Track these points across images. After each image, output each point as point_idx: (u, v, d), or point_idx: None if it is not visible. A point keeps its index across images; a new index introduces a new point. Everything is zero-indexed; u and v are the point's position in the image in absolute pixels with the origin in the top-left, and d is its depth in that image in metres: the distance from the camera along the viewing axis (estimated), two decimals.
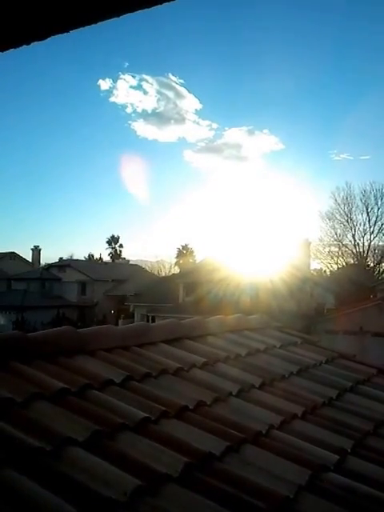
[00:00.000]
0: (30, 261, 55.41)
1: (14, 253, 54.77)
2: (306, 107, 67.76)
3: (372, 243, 43.38)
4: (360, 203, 43.14)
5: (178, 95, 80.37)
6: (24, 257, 55.73)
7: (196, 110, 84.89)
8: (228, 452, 2.49)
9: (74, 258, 60.77)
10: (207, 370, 3.65)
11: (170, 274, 55.79)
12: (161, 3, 1.31)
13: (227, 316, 5.17)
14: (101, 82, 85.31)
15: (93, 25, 1.37)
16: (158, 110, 74.60)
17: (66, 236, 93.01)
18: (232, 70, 71.74)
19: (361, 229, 43.25)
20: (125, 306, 41.47)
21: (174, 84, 79.63)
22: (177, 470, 2.14)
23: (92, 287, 48.91)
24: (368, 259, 44.30)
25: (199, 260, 51.44)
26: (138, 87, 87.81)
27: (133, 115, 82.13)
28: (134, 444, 2.31)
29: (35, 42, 1.43)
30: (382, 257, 43.89)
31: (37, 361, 2.93)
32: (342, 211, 43.34)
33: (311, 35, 63.10)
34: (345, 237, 43.69)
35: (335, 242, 43.80)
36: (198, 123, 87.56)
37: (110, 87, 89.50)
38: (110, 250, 71.58)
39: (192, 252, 66.81)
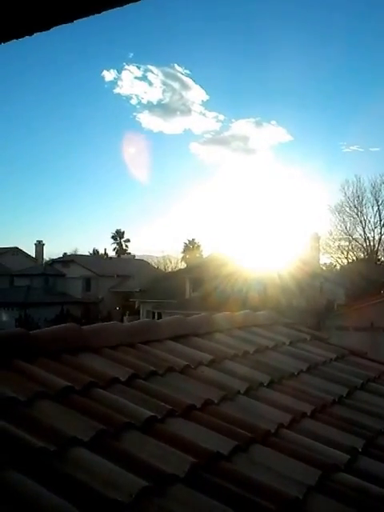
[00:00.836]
0: (33, 256, 55.55)
1: (16, 248, 54.92)
2: (314, 98, 67.44)
3: (383, 237, 43.21)
4: (370, 196, 43.00)
5: (184, 86, 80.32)
6: (27, 252, 55.91)
7: (202, 101, 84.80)
8: (236, 452, 2.48)
9: (79, 253, 60.87)
10: (214, 368, 3.64)
11: (177, 269, 55.80)
12: None
13: (235, 312, 5.16)
14: (105, 72, 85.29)
15: (96, 14, 1.37)
16: (163, 102, 74.61)
17: (69, 231, 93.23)
18: (239, 60, 71.55)
19: (371, 222, 43.10)
20: (130, 303, 41.55)
21: (179, 75, 79.51)
22: (184, 470, 2.14)
23: (96, 283, 49.01)
24: (379, 253, 44.17)
25: (206, 255, 51.48)
26: (143, 78, 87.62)
27: (138, 107, 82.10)
28: (140, 444, 2.31)
29: (38, 33, 1.43)
30: None
31: (40, 359, 2.94)
32: (351, 204, 43.17)
33: (321, 24, 62.88)
34: (355, 230, 43.53)
35: (345, 236, 43.63)
36: (204, 115, 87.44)
37: (115, 78, 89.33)
38: (115, 245, 71.78)
39: (199, 247, 66.84)
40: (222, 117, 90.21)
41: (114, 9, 1.36)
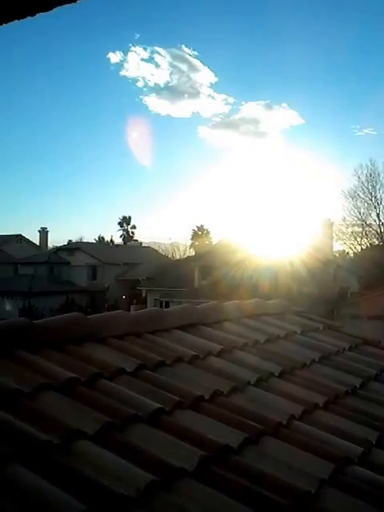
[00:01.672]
0: (38, 244, 55.69)
1: (20, 235, 55.01)
2: (327, 80, 67.02)
3: None
4: None
5: (192, 68, 79.81)
6: (31, 239, 56.04)
7: (211, 83, 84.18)
8: (246, 444, 2.47)
9: (84, 240, 61.00)
10: (224, 358, 3.64)
11: (185, 256, 55.81)
12: None
13: (245, 301, 5.15)
14: (110, 54, 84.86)
15: None
16: (170, 84, 74.18)
17: (74, 218, 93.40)
18: (249, 41, 70.99)
19: None
20: (137, 291, 41.61)
21: (187, 56, 79.07)
22: (192, 463, 2.13)
23: (102, 271, 49.10)
24: None
25: (215, 242, 51.44)
26: (150, 60, 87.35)
27: (144, 89, 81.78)
28: (147, 437, 2.31)
29: (40, 13, 1.40)
30: None
31: (44, 349, 2.94)
32: (365, 189, 42.94)
33: (334, 4, 62.07)
34: (369, 216, 43.33)
35: (358, 222, 43.44)
36: (212, 97, 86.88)
37: (121, 60, 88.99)
38: (121, 232, 71.79)
39: (208, 233, 66.74)
40: (231, 99, 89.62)
41: None
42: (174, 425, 2.48)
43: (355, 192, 43.19)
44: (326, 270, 31.73)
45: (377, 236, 43.82)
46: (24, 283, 43.10)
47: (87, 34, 71.09)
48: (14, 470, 1.81)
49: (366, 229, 43.70)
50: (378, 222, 43.21)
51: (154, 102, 76.30)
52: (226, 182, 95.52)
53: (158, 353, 3.34)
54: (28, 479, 1.78)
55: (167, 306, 28.74)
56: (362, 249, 44.35)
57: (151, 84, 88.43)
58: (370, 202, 42.96)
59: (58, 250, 53.13)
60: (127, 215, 71.84)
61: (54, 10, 1.42)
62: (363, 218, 43.21)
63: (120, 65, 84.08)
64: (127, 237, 70.71)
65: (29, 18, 1.42)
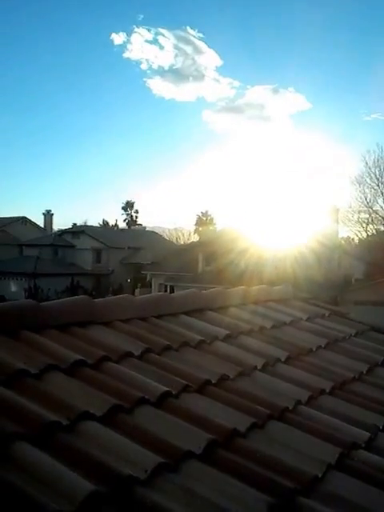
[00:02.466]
0: (42, 226, 55.76)
1: (25, 217, 55.05)
2: (334, 64, 66.42)
3: None
4: None
5: (197, 50, 79.22)
6: (36, 222, 56.11)
7: (216, 66, 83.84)
8: (253, 428, 2.49)
9: (88, 224, 61.03)
10: (230, 343, 3.65)
11: (189, 242, 55.82)
12: None
13: (250, 287, 5.14)
14: (114, 35, 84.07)
15: None
16: (175, 67, 73.70)
17: (79, 201, 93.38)
18: (255, 24, 70.31)
19: None
20: (141, 275, 41.71)
21: (192, 38, 78.38)
22: (200, 446, 2.15)
23: (107, 255, 49.22)
24: None
25: (220, 228, 51.40)
26: (154, 42, 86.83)
27: (148, 72, 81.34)
28: (155, 419, 2.32)
29: None
30: None
31: (51, 331, 2.95)
32: (372, 175, 42.58)
33: None
34: (375, 202, 43.03)
35: (365, 208, 43.18)
36: (217, 81, 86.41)
37: (124, 42, 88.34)
38: (125, 216, 71.71)
39: (212, 219, 66.67)
40: (236, 83, 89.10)
41: None
42: (181, 408, 2.49)
43: (362, 178, 42.87)
44: (332, 256, 31.69)
45: (383, 222, 43.61)
46: (29, 265, 43.33)
47: (90, 14, 70.41)
48: (23, 449, 1.83)
49: (373, 215, 43.48)
50: None
51: (158, 85, 76.27)
52: (231, 168, 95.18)
53: (165, 337, 3.35)
54: (37, 458, 1.79)
55: (172, 290, 28.80)
56: (368, 235, 44.17)
57: (155, 66, 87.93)
58: (376, 187, 42.65)
59: (62, 232, 53.23)
60: (131, 200, 71.79)
61: None
62: (370, 204, 42.97)
63: (123, 46, 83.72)
64: (131, 221, 70.64)
65: None
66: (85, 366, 2.63)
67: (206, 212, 67.32)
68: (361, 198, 42.90)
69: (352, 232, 45.98)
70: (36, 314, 2.98)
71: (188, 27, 76.00)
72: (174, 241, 61.11)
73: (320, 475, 2.23)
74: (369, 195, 42.83)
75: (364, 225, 44.09)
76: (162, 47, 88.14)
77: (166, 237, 61.01)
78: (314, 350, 3.99)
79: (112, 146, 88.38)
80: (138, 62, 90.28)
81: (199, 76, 75.27)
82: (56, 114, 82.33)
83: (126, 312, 3.55)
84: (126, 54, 77.07)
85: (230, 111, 75.07)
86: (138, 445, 2.05)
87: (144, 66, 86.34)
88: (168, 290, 29.72)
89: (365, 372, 3.77)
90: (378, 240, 39.66)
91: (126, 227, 66.71)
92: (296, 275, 24.41)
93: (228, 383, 2.96)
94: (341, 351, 4.13)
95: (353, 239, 47.64)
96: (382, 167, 42.49)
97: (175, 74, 73.90)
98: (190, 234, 64.58)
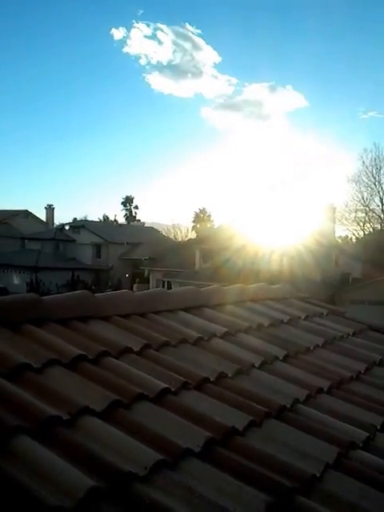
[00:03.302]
0: (44, 220, 55.73)
1: (27, 211, 55.02)
2: (332, 62, 66.25)
3: None
4: None
5: (195, 46, 78.90)
6: (37, 215, 56.10)
7: (214, 63, 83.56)
8: (251, 427, 2.47)
9: (88, 219, 61.00)
10: (228, 341, 3.63)
11: (187, 238, 55.83)
12: None
13: (247, 285, 5.13)
14: (114, 30, 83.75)
15: None
16: (173, 63, 73.44)
17: (79, 195, 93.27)
18: (254, 21, 70.02)
19: None
20: (140, 270, 41.74)
21: (190, 34, 78.24)
22: (198, 444, 2.13)
23: (107, 250, 49.25)
24: None
25: (217, 225, 51.37)
26: (153, 37, 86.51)
27: (147, 67, 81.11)
28: (154, 416, 2.30)
29: None
30: None
31: (52, 325, 2.93)
32: (369, 174, 42.58)
33: None
34: (372, 201, 43.03)
35: (362, 207, 43.18)
36: (216, 77, 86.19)
37: (124, 37, 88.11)
38: (124, 212, 71.64)
39: (209, 216, 66.68)
40: (234, 80, 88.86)
41: None
42: (180, 405, 2.48)
43: (359, 176, 42.88)
44: (328, 254, 31.68)
45: (380, 221, 43.58)
46: (31, 258, 43.50)
47: (91, 8, 70.06)
48: (24, 443, 1.81)
49: (369, 214, 43.48)
50: (381, 206, 42.95)
51: (156, 80, 76.04)
52: (229, 165, 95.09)
53: (163, 333, 3.33)
54: (37, 452, 1.78)
55: (169, 286, 28.80)
56: (364, 234, 44.15)
57: (154, 62, 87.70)
58: (373, 186, 42.66)
59: (63, 226, 53.21)
60: (130, 195, 71.69)
61: None
62: (366, 203, 42.97)
63: (123, 41, 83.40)
64: (130, 217, 70.59)
65: None
66: (85, 361, 2.61)
67: (204, 209, 67.37)
68: (358, 197, 42.95)
69: (349, 231, 46.04)
70: (38, 308, 2.97)
71: (187, 23, 75.86)
72: (172, 237, 61.06)
73: (318, 474, 2.21)
74: (365, 194, 42.87)
75: (361, 224, 44.12)
76: (160, 43, 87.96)
77: (163, 233, 60.96)
78: (312, 348, 3.97)
79: (111, 141, 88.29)
80: (137, 57, 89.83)
81: (197, 72, 75.09)
82: (56, 108, 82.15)
83: (125, 307, 3.53)
84: (125, 49, 76.88)
85: (227, 108, 74.97)
86: (137, 441, 2.04)
87: (143, 61, 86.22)
88: (165, 286, 29.71)
89: (363, 371, 3.76)
90: (374, 239, 39.62)
91: (126, 223, 66.66)
92: (293, 273, 24.41)
93: (226, 381, 2.94)
94: (339, 350, 4.12)
95: (350, 238, 47.71)
96: (378, 166, 42.52)
97: (174, 70, 73.74)
98: (187, 231, 64.58)
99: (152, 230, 58.26)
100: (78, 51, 77.94)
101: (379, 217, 43.36)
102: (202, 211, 67.13)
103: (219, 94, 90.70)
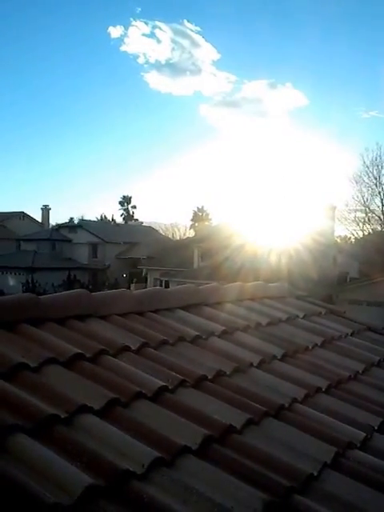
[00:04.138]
0: (40, 221, 55.72)
1: (23, 212, 55.06)
2: (332, 60, 66.14)
3: None
4: None
5: (194, 44, 78.78)
6: (33, 216, 56.09)
7: (213, 60, 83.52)
8: (249, 425, 2.49)
9: (85, 218, 60.97)
10: (226, 339, 3.64)
11: (185, 237, 55.81)
12: None
13: (246, 283, 5.13)
14: (111, 29, 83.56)
15: None
16: (172, 61, 73.34)
17: (76, 195, 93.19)
18: (252, 17, 69.99)
19: None
20: (137, 270, 41.69)
21: (189, 32, 78.15)
22: (196, 442, 2.15)
23: (103, 249, 49.22)
24: None
25: (216, 223, 51.35)
26: (151, 35, 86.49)
27: (145, 66, 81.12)
28: (151, 414, 2.32)
29: None
30: None
31: (49, 324, 2.94)
32: (370, 174, 42.49)
33: None
34: (372, 201, 43.00)
35: (362, 207, 43.16)
36: (214, 75, 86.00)
37: (121, 35, 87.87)
38: (122, 211, 71.62)
39: (208, 215, 66.67)
40: (233, 78, 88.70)
41: None
42: (178, 403, 2.49)
43: (359, 176, 42.75)
44: (327, 253, 31.70)
45: (380, 222, 43.56)
46: (27, 259, 43.47)
47: (88, 6, 69.88)
48: (22, 441, 1.82)
49: (369, 214, 43.47)
50: (381, 207, 42.94)
51: (154, 79, 75.94)
52: (227, 163, 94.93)
53: (161, 332, 3.34)
54: (35, 451, 1.79)
55: (167, 285, 28.77)
56: (364, 234, 44.16)
57: (152, 60, 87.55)
58: (374, 187, 42.56)
59: (59, 227, 53.21)
60: (128, 194, 71.65)
61: None
62: (367, 203, 42.92)
63: (120, 39, 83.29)
64: (128, 216, 70.57)
65: None
66: (83, 360, 2.62)
67: (202, 207, 67.38)
68: (358, 197, 42.85)
69: (348, 231, 46.02)
70: (35, 308, 2.97)
71: (185, 21, 75.63)
72: (170, 236, 61.07)
73: (315, 474, 2.23)
74: (366, 194, 42.76)
75: (360, 224, 44.11)
76: (159, 41, 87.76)
77: (161, 232, 60.96)
78: (310, 348, 3.99)
79: (109, 140, 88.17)
80: (135, 56, 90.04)
81: (196, 70, 75.01)
82: (53, 107, 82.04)
83: (123, 306, 3.54)
84: (123, 48, 76.59)
85: (226, 106, 74.88)
86: (134, 439, 2.05)
87: (141, 60, 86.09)
88: (163, 285, 29.68)
89: (361, 371, 3.77)
90: (374, 239, 39.67)
91: (123, 222, 66.64)
92: (291, 272, 24.41)
93: (224, 379, 2.96)
94: (337, 350, 4.13)
95: (349, 238, 47.71)
96: (379, 166, 42.46)
97: (172, 68, 73.62)
98: (185, 230, 64.61)
99: (150, 230, 58.25)
100: (74, 50, 77.93)
101: (379, 218, 43.34)
102: (201, 210, 67.18)
103: (218, 92, 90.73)
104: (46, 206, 56.30)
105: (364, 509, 2.12)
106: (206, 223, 61.91)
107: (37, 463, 1.72)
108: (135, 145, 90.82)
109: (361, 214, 43.47)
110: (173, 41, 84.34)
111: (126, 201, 71.56)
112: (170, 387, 2.60)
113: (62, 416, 2.04)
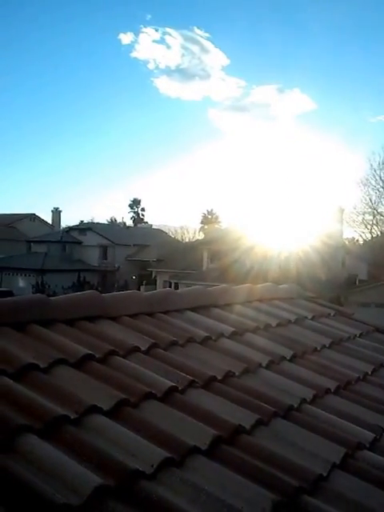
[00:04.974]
0: (50, 223, 55.94)
1: (33, 214, 55.32)
2: (340, 65, 66.01)
3: None
4: None
5: (204, 50, 78.97)
6: (44, 219, 56.34)
7: (222, 66, 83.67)
8: (258, 425, 2.48)
9: (95, 221, 61.14)
10: (236, 340, 3.63)
11: (194, 240, 55.80)
12: None
13: (255, 285, 5.12)
14: (122, 35, 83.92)
15: None
16: (181, 66, 73.49)
17: (87, 199, 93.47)
18: (261, 23, 70.07)
19: None
20: (147, 272, 41.72)
21: (199, 38, 78.36)
22: (205, 442, 2.14)
23: (113, 251, 49.30)
24: None
25: (225, 226, 51.33)
26: (161, 41, 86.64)
27: (155, 71, 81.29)
28: (161, 414, 2.31)
29: None
30: None
31: (59, 325, 2.94)
32: (377, 177, 42.42)
33: None
34: (380, 204, 42.90)
35: (370, 210, 43.04)
36: (223, 80, 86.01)
37: (132, 41, 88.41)
38: (132, 214, 71.76)
39: (217, 218, 66.68)
40: (242, 83, 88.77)
41: None
42: (187, 403, 2.48)
43: (367, 180, 42.72)
44: (335, 256, 31.60)
45: None
46: (37, 261, 43.60)
47: (99, 14, 70.24)
48: (32, 442, 1.82)
49: (377, 217, 43.35)
50: None
51: (164, 84, 76.14)
52: (236, 167, 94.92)
53: (171, 333, 3.33)
54: (44, 451, 1.78)
55: (176, 287, 28.77)
56: (372, 237, 44.01)
57: (162, 66, 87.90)
58: (381, 189, 42.48)
59: (70, 229, 53.38)
60: (137, 197, 71.80)
61: None
62: (374, 205, 42.81)
63: (131, 46, 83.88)
64: (137, 219, 70.69)
65: None
66: (93, 360, 2.62)
67: (212, 210, 67.41)
68: (365, 200, 42.78)
69: (356, 233, 45.91)
70: (45, 309, 2.97)
71: (195, 27, 75.84)
72: (180, 239, 61.10)
73: (325, 474, 2.21)
74: (374, 197, 42.71)
75: (368, 226, 43.98)
76: (169, 47, 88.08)
77: (171, 235, 61.00)
78: (319, 349, 3.97)
79: (119, 144, 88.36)
80: (146, 62, 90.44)
81: (205, 75, 75.23)
82: (65, 112, 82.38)
83: (133, 307, 3.53)
84: (133, 54, 76.97)
85: (235, 110, 74.97)
86: (144, 439, 2.04)
87: (151, 66, 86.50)
88: (172, 287, 29.67)
89: (370, 373, 3.75)
90: (381, 241, 39.53)
91: (133, 225, 66.75)
92: (300, 274, 24.35)
93: (233, 380, 2.95)
94: (345, 351, 4.11)
95: (357, 240, 47.57)
96: None
97: (182, 74, 73.81)
98: (195, 232, 64.61)
99: (159, 232, 58.30)
100: (85, 56, 78.28)
101: None
102: (210, 213, 67.20)
103: (227, 97, 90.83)
104: (56, 208, 56.60)
105: (373, 509, 2.10)
106: (215, 226, 61.82)
107: (46, 463, 1.72)
108: (145, 149, 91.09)
109: (369, 217, 43.42)
110: (183, 47, 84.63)
111: (135, 204, 71.74)
112: (179, 388, 2.59)
113: (72, 416, 2.03)
